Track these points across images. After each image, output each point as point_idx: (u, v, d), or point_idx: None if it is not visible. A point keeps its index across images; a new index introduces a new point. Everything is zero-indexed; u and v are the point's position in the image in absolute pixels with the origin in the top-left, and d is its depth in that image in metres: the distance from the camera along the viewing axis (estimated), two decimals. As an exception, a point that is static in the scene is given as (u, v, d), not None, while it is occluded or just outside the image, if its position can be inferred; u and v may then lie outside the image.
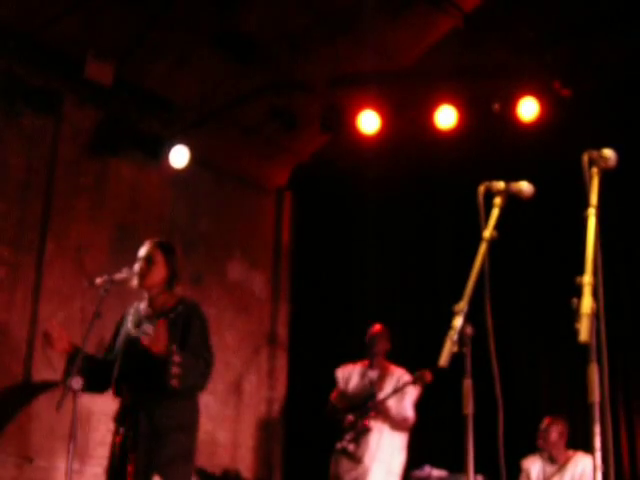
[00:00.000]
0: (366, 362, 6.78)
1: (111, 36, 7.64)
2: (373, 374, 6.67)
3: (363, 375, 6.70)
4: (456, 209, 8.10)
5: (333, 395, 6.78)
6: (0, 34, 7.26)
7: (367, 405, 6.50)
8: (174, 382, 4.18)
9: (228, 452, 8.88)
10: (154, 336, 4.19)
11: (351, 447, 6.43)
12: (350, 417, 6.50)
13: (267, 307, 9.60)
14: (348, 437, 6.45)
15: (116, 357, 4.52)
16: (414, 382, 6.48)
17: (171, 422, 4.33)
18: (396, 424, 6.51)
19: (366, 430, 6.42)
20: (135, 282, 4.60)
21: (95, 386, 4.61)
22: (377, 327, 6.80)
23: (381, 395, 6.51)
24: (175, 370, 4.18)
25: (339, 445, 6.48)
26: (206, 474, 8.17)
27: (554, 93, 7.30)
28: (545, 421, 6.60)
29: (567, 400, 7.30)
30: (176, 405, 4.39)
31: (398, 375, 6.63)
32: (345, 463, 6.45)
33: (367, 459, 6.40)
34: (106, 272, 4.74)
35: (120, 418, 4.50)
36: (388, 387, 6.56)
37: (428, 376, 6.40)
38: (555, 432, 6.54)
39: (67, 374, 4.39)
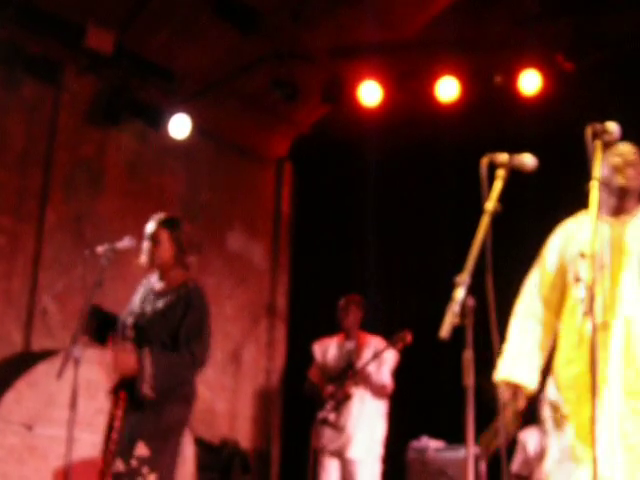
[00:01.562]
0: (342, 335, 6.80)
1: (112, 4, 7.60)
2: (350, 345, 6.70)
3: (340, 347, 6.73)
4: (458, 180, 8.08)
5: (311, 371, 6.80)
6: (0, 2, 7.21)
7: (347, 374, 6.52)
8: (148, 393, 4.23)
9: (226, 422, 8.92)
10: (120, 361, 4.25)
11: (332, 416, 6.45)
12: (329, 387, 6.52)
13: (266, 278, 9.61)
14: (329, 407, 6.47)
15: (119, 326, 4.55)
16: (394, 342, 6.48)
17: (170, 393, 4.34)
18: (376, 391, 6.54)
19: (347, 397, 6.44)
20: (144, 261, 4.62)
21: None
22: (346, 299, 6.81)
23: (360, 363, 6.53)
24: (145, 386, 4.22)
25: (320, 415, 6.50)
26: (204, 443, 8.21)
27: (556, 66, 7.27)
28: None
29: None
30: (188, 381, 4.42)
31: (375, 343, 6.65)
32: (328, 433, 6.47)
33: (350, 427, 6.42)
34: (106, 241, 4.73)
35: (118, 387, 4.51)
36: (366, 356, 6.57)
37: (408, 337, 6.41)
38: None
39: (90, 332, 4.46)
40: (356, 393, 6.47)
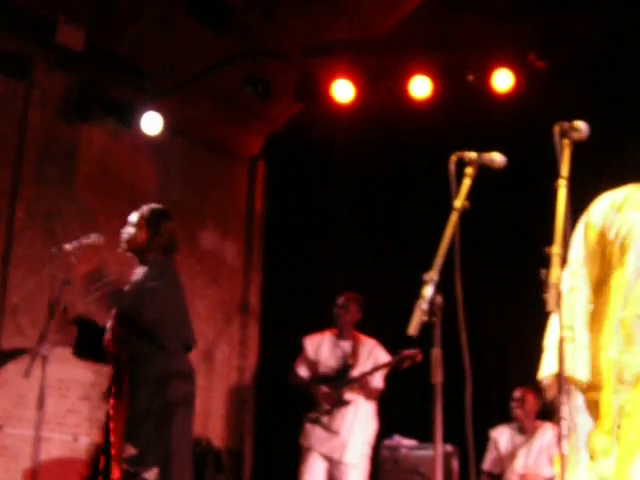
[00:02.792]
0: (335, 331, 6.74)
1: (83, 1, 7.54)
2: (345, 345, 6.64)
3: (334, 346, 6.68)
4: (429, 179, 8.10)
5: (297, 363, 6.77)
6: (-31, -3, 7.16)
7: (346, 378, 6.48)
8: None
9: (199, 420, 8.87)
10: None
11: (325, 418, 6.43)
12: (324, 388, 6.48)
13: (239, 276, 9.59)
14: (323, 408, 6.45)
15: None
16: (402, 361, 6.44)
17: (147, 375, 4.30)
18: (369, 395, 6.54)
19: (344, 403, 6.42)
20: (121, 247, 4.63)
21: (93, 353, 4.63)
22: (348, 295, 6.76)
23: (357, 368, 6.50)
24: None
25: (312, 415, 6.48)
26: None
27: (528, 65, 7.30)
28: (520, 391, 6.63)
29: (537, 370, 7.34)
30: (153, 359, 4.37)
31: (370, 347, 6.63)
32: (319, 434, 6.45)
33: (344, 431, 6.40)
34: (76, 239, 4.71)
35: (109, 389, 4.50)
36: (362, 359, 6.55)
37: (419, 356, 6.32)
38: (530, 402, 6.58)
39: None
40: (350, 397, 6.46)
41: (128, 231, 4.62)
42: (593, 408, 3.37)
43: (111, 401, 4.34)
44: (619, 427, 3.28)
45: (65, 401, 7.57)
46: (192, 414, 4.49)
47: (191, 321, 4.59)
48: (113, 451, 4.22)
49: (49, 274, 7.37)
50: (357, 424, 6.43)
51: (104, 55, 8.05)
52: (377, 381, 6.54)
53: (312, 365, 6.69)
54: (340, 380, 6.49)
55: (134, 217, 4.66)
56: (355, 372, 6.50)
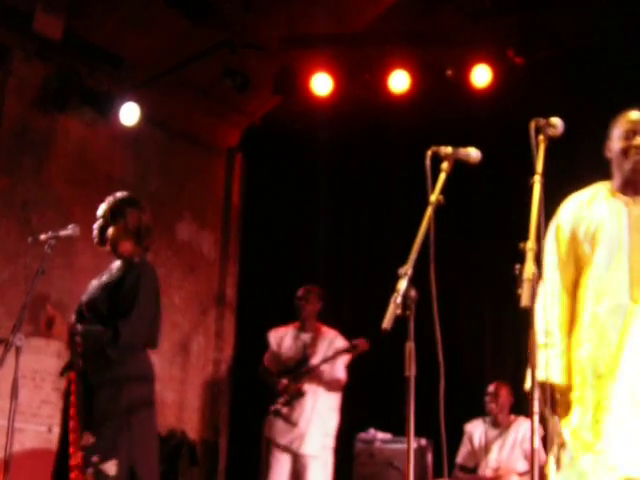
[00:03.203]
0: (298, 324, 6.77)
1: (61, -11, 7.51)
2: (306, 337, 6.68)
3: (296, 338, 6.71)
4: (406, 173, 8.11)
5: (265, 357, 6.80)
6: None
7: (301, 369, 6.52)
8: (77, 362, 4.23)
9: (174, 413, 8.88)
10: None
11: (285, 410, 6.45)
12: (284, 380, 6.51)
13: (216, 268, 9.58)
14: (282, 400, 6.47)
15: None
16: (349, 351, 6.52)
17: (103, 377, 4.26)
18: (329, 386, 6.55)
19: (301, 394, 6.45)
20: (95, 241, 4.58)
21: None
22: (307, 287, 6.79)
23: (315, 359, 6.53)
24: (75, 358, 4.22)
25: (272, 407, 6.50)
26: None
27: (507, 60, 7.32)
28: (493, 385, 6.67)
29: (511, 365, 7.38)
30: (108, 361, 4.32)
31: (331, 337, 6.65)
32: (280, 426, 6.47)
33: (303, 422, 6.42)
34: (53, 229, 4.68)
35: (65, 371, 4.46)
36: (321, 350, 6.58)
37: (364, 345, 6.45)
38: (504, 396, 6.61)
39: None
40: (309, 389, 6.47)
41: (98, 224, 4.57)
42: (567, 409, 3.41)
43: (71, 387, 4.30)
44: (599, 422, 3.30)
45: (39, 392, 7.54)
46: (154, 415, 4.45)
47: (160, 322, 4.52)
48: (72, 437, 4.19)
49: (23, 264, 7.32)
50: (315, 415, 6.45)
51: (82, 45, 8.01)
52: (338, 372, 6.55)
53: (276, 358, 6.72)
54: (298, 371, 6.52)
55: (101, 210, 4.62)
56: (314, 363, 6.53)
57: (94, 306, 4.36)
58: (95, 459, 4.06)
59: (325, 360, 6.48)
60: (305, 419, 6.42)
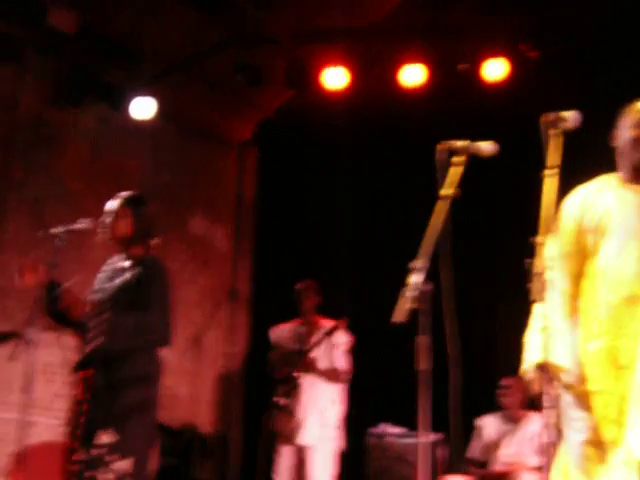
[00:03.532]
0: (298, 320, 6.90)
1: (75, -17, 7.51)
2: (303, 330, 6.76)
3: (294, 331, 6.83)
4: (420, 167, 8.06)
5: (271, 355, 6.86)
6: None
7: (296, 358, 6.58)
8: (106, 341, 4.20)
9: (187, 407, 8.89)
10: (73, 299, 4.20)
11: (282, 401, 6.50)
12: (281, 372, 6.58)
13: (228, 262, 9.58)
14: (281, 392, 6.52)
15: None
16: (330, 332, 6.57)
17: (125, 374, 4.30)
18: (327, 376, 6.58)
19: (296, 385, 6.49)
20: (103, 236, 4.57)
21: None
22: (300, 284, 6.89)
23: (313, 351, 6.59)
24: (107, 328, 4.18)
25: (274, 400, 6.55)
26: (164, 428, 8.18)
27: (520, 54, 7.30)
28: (508, 380, 6.65)
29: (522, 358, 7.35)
30: (132, 357, 4.36)
31: (326, 326, 6.70)
32: (280, 417, 6.54)
33: (300, 412, 6.50)
34: (65, 223, 4.69)
35: (78, 372, 4.47)
36: (314, 340, 6.63)
37: (342, 323, 6.59)
38: (518, 391, 6.60)
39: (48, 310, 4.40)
40: (306, 379, 6.51)
41: (110, 220, 4.57)
42: (584, 401, 3.37)
43: (86, 395, 4.32)
44: (624, 413, 3.28)
45: (52, 385, 7.56)
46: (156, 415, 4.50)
47: (172, 321, 4.53)
48: (79, 432, 4.21)
49: (37, 258, 7.34)
50: (313, 405, 6.51)
51: (96, 39, 8.01)
52: (336, 361, 6.59)
53: (277, 354, 6.79)
54: (294, 361, 6.57)
55: (114, 206, 4.61)
56: (311, 354, 6.58)
57: (114, 305, 4.36)
58: (114, 457, 4.09)
59: (312, 345, 6.53)
60: (302, 409, 6.49)
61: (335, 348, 6.60)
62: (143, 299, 4.29)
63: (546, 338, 2.84)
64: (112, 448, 4.12)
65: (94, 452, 4.12)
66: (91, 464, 4.10)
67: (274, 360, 6.79)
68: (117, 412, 4.21)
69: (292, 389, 6.51)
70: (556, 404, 3.33)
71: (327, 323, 6.75)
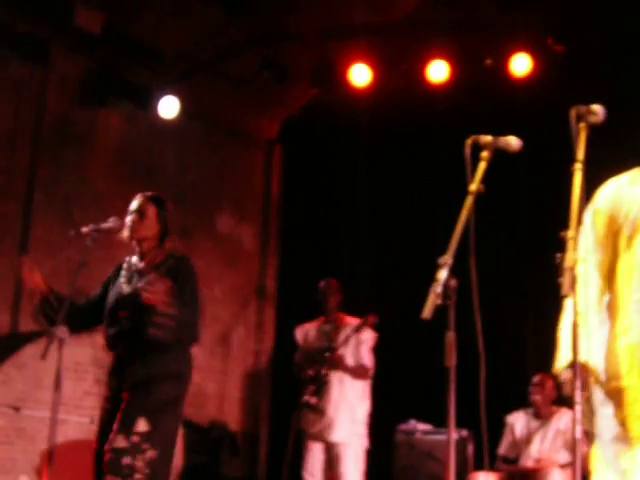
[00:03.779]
0: (322, 318, 6.88)
1: (101, -16, 7.55)
2: (328, 327, 6.77)
3: (319, 330, 6.81)
4: (446, 163, 8.04)
5: (297, 355, 6.86)
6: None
7: (324, 357, 6.57)
8: (161, 334, 4.18)
9: (215, 404, 8.93)
10: (152, 290, 4.16)
11: (313, 400, 6.49)
12: (310, 371, 6.56)
13: (256, 260, 9.60)
14: (309, 391, 6.51)
15: (107, 312, 4.52)
16: (358, 328, 6.55)
17: (162, 371, 4.33)
18: (355, 373, 6.58)
19: (326, 382, 6.49)
20: (126, 235, 4.57)
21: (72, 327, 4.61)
22: (323, 283, 6.88)
23: (339, 349, 6.58)
24: (167, 322, 4.17)
25: (302, 399, 6.55)
26: (193, 425, 8.21)
27: (547, 49, 7.26)
28: (539, 377, 6.62)
29: (552, 355, 7.32)
30: (168, 355, 4.38)
31: (352, 325, 6.70)
32: (309, 416, 6.52)
33: (331, 410, 6.47)
34: (94, 222, 4.70)
35: (115, 370, 4.50)
36: (343, 337, 6.63)
37: (370, 319, 6.54)
38: (549, 388, 6.57)
39: (40, 314, 4.43)
40: (335, 376, 6.51)
41: (136, 220, 4.57)
42: (616, 397, 3.34)
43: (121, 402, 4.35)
44: None
45: (82, 384, 7.61)
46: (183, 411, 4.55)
47: (202, 319, 4.58)
48: (120, 420, 4.25)
49: (66, 257, 7.40)
50: (343, 402, 6.50)
51: (122, 39, 8.06)
52: (363, 358, 6.59)
53: (303, 352, 6.80)
54: (322, 359, 6.57)
55: (139, 205, 4.60)
56: (339, 351, 6.58)
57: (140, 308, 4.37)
58: (145, 446, 4.13)
59: (342, 342, 6.53)
60: (333, 407, 6.48)
61: (361, 344, 6.60)
62: (180, 295, 4.30)
63: (578, 334, 2.81)
64: (146, 438, 4.15)
65: (134, 439, 4.15)
66: (129, 451, 4.14)
67: (300, 360, 6.79)
68: (151, 406, 4.24)
69: (321, 387, 6.51)
70: (588, 403, 3.31)
71: (351, 320, 6.75)
